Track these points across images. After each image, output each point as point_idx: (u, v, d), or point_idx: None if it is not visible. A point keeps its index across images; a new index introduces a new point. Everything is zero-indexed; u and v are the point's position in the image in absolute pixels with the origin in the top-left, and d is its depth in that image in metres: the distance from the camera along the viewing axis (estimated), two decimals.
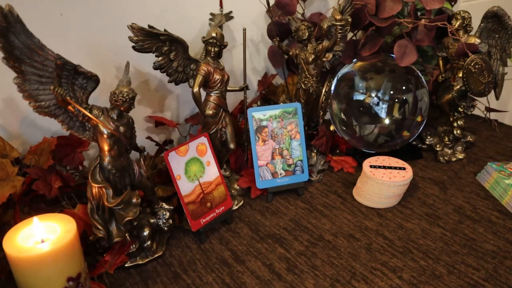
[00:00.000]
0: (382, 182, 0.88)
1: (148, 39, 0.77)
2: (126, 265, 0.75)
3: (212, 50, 0.86)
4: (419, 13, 1.04)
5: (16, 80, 0.61)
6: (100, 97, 0.80)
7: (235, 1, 1.01)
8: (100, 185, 0.70)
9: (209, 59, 0.86)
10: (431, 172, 1.03)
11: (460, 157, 1.08)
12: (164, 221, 0.80)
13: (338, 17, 0.90)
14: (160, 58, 0.82)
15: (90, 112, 0.68)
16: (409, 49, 1.01)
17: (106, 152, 0.70)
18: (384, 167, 0.92)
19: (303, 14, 1.12)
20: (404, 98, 1.04)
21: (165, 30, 0.79)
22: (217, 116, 0.89)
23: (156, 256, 0.78)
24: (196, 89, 0.85)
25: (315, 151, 1.04)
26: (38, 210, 0.73)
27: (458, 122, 1.09)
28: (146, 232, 0.77)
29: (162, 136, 1.03)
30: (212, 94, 0.88)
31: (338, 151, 1.11)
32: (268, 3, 0.96)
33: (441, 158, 1.07)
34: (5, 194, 0.69)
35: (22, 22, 0.58)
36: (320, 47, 0.94)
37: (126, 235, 0.76)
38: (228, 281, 0.73)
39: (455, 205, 0.91)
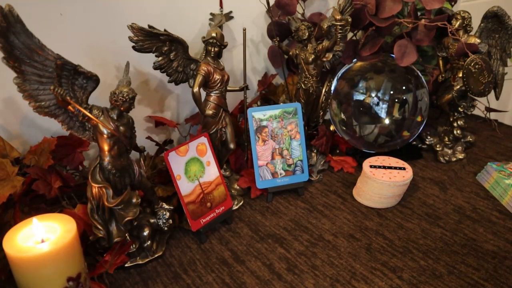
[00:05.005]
0: (382, 182, 0.88)
1: (148, 39, 0.77)
2: (126, 265, 0.75)
3: (212, 50, 0.86)
4: (419, 13, 1.04)
5: (16, 80, 0.61)
6: (100, 97, 0.80)
7: (235, 1, 1.01)
8: (100, 185, 0.70)
9: (209, 59, 0.86)
10: (431, 172, 1.03)
11: (460, 157, 1.08)
12: (164, 221, 0.80)
13: (338, 17, 0.90)
14: (160, 58, 0.82)
15: (90, 112, 0.68)
16: (409, 49, 1.01)
17: (106, 152, 0.70)
18: (384, 167, 0.92)
19: (303, 14, 1.12)
20: (404, 98, 1.04)
21: (165, 30, 0.79)
22: (217, 116, 0.89)
23: (156, 256, 0.78)
24: (196, 89, 0.85)
25: (315, 151, 1.04)
26: (38, 210, 0.73)
27: (458, 122, 1.09)
28: (146, 232, 0.77)
29: (162, 136, 1.03)
30: (212, 94, 0.88)
31: (338, 151, 1.11)
32: (268, 3, 0.96)
33: (441, 158, 1.07)
34: (5, 194, 0.69)
35: (22, 22, 0.58)
36: (320, 47, 0.94)
37: (126, 235, 0.76)
38: (228, 281, 0.73)
39: (455, 205, 0.91)
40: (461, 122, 1.08)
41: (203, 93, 0.88)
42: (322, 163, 1.04)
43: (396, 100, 1.04)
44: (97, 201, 0.71)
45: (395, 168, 0.92)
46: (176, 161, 0.79)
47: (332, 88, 1.05)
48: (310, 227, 0.86)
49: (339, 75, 1.06)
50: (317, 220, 0.88)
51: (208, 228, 0.83)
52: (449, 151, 1.09)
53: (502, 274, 0.73)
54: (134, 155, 0.77)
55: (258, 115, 0.93)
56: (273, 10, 1.06)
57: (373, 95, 1.03)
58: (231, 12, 1.01)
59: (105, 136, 0.69)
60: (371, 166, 0.92)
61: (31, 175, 0.74)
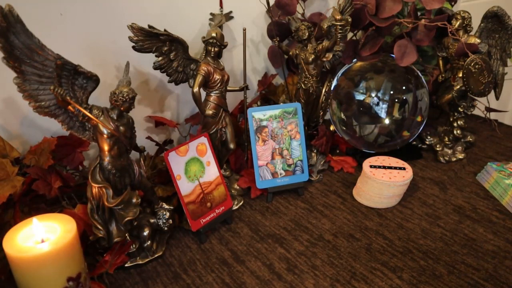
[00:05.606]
0: (382, 182, 0.88)
1: (148, 39, 0.77)
2: (126, 265, 0.75)
3: (212, 50, 0.86)
4: (419, 13, 1.04)
5: (16, 80, 0.61)
6: (100, 97, 0.80)
7: (235, 1, 1.01)
8: (100, 185, 0.70)
9: (209, 59, 0.86)
10: (431, 172, 1.03)
11: (460, 157, 1.08)
12: (164, 221, 0.80)
13: (338, 17, 0.90)
14: (160, 58, 0.82)
15: (90, 112, 0.68)
16: (409, 49, 1.01)
17: (106, 152, 0.70)
18: (384, 167, 0.92)
19: (303, 14, 1.12)
20: (404, 98, 1.04)
21: (165, 30, 0.79)
22: (217, 116, 0.89)
23: (156, 256, 0.78)
24: (196, 89, 0.85)
25: (315, 151, 1.04)
26: (38, 210, 0.73)
27: (458, 122, 1.09)
28: (146, 232, 0.77)
29: (162, 136, 1.03)
30: (212, 94, 0.88)
31: (338, 151, 1.11)
32: (268, 3, 0.96)
33: (441, 158, 1.07)
34: (5, 194, 0.69)
35: (22, 22, 0.58)
36: (320, 47, 0.95)
37: (126, 235, 0.76)
38: (228, 281, 0.73)
39: (455, 205, 0.91)
40: (461, 122, 1.08)
41: (203, 93, 0.88)
42: (322, 163, 1.04)
43: (396, 100, 1.04)
44: (97, 201, 0.71)
45: (395, 168, 0.92)
46: (176, 161, 0.79)
47: (332, 88, 1.05)
48: (310, 227, 0.86)
49: (339, 75, 1.06)
50: (317, 220, 0.88)
51: (208, 228, 0.83)
52: (449, 151, 1.09)
53: (502, 274, 0.73)
54: (134, 155, 0.77)
55: (258, 115, 0.93)
56: (273, 10, 1.06)
57: (373, 95, 1.03)
58: (231, 12, 1.01)
59: (105, 136, 0.69)
60: (371, 166, 0.92)
61: (31, 175, 0.74)
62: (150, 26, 0.77)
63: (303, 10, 1.12)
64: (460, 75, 1.02)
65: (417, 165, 1.06)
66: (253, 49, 1.13)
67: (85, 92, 0.69)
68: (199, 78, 0.85)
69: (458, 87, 1.03)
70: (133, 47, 0.77)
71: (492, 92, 1.02)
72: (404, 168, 0.92)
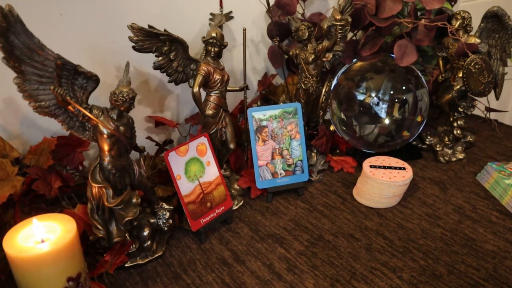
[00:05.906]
0: (382, 182, 0.88)
1: (148, 39, 0.77)
2: (126, 265, 0.75)
3: (212, 50, 0.86)
4: (419, 13, 1.04)
5: (16, 80, 0.61)
6: (100, 97, 0.80)
7: (235, 1, 1.01)
8: (100, 185, 0.70)
9: (209, 59, 0.86)
10: (431, 172, 1.03)
11: (460, 157, 1.08)
12: (164, 221, 0.80)
13: (338, 17, 0.90)
14: (160, 58, 0.82)
15: (90, 112, 0.68)
16: (409, 49, 1.01)
17: (106, 152, 0.70)
18: (384, 167, 0.92)
19: (303, 14, 1.12)
20: (404, 98, 1.04)
21: (165, 30, 0.79)
22: (217, 116, 0.89)
23: (156, 256, 0.78)
24: (196, 89, 0.85)
25: (315, 151, 1.04)
26: (38, 210, 0.73)
27: (458, 122, 1.09)
28: (146, 232, 0.77)
29: (162, 136, 1.03)
30: (212, 94, 0.88)
31: (338, 151, 1.11)
32: (268, 3, 0.96)
33: (441, 158, 1.07)
34: (5, 194, 0.69)
35: (22, 22, 0.58)
36: (320, 47, 0.95)
37: (126, 235, 0.76)
38: (228, 281, 0.73)
39: (455, 205, 0.91)
40: (461, 122, 1.08)
41: (203, 93, 0.88)
42: (322, 163, 1.04)
43: (396, 100, 1.04)
44: (97, 201, 0.71)
45: (395, 168, 0.92)
46: (176, 161, 0.79)
47: (332, 88, 1.05)
48: (310, 227, 0.86)
49: (339, 75, 1.06)
50: (317, 220, 0.88)
51: (208, 228, 0.83)
52: (449, 151, 1.09)
53: (502, 274, 0.73)
54: (134, 155, 0.77)
55: (258, 115, 0.93)
56: (273, 10, 1.06)
57: (373, 95, 1.03)
58: (231, 12, 1.02)
59: (105, 136, 0.69)
60: (371, 166, 0.92)
61: (31, 175, 0.74)
62: (150, 26, 0.77)
63: (303, 10, 1.12)
64: (460, 75, 1.02)
65: (417, 165, 1.06)
66: (253, 49, 1.13)
67: (85, 92, 0.69)
68: (199, 78, 0.85)
69: (458, 87, 1.03)
70: (133, 47, 0.77)
71: (492, 92, 1.02)
72: (404, 168, 0.92)
